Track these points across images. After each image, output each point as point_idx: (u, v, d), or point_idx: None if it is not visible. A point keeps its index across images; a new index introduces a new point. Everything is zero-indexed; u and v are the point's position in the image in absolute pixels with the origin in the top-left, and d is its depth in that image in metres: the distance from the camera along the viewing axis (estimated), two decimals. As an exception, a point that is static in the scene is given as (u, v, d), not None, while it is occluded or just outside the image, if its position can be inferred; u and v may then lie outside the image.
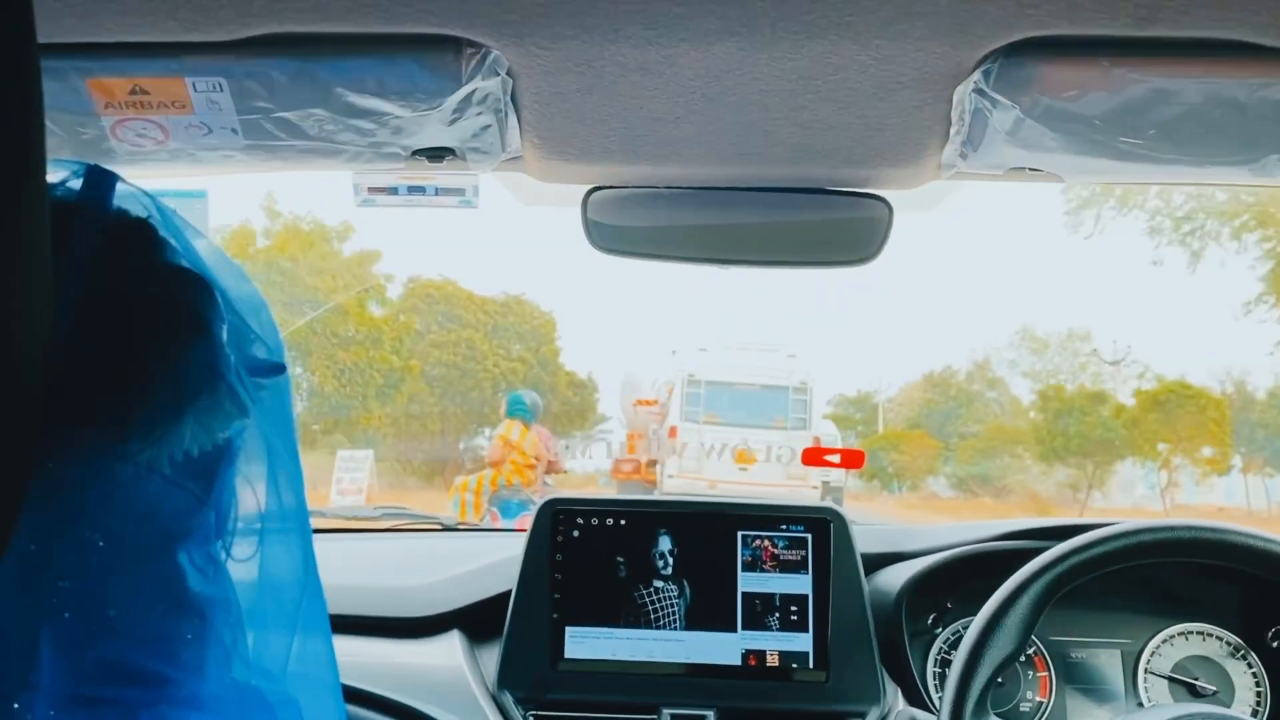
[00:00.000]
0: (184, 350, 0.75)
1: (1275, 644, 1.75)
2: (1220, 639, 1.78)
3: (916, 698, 1.71)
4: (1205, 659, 1.78)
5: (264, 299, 0.86)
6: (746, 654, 1.72)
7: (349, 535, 2.48)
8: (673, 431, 16.19)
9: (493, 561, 1.90)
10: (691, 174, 1.39)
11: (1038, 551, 1.37)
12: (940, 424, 31.21)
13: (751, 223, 1.46)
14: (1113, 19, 1.00)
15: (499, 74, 1.10)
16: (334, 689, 0.90)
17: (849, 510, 1.81)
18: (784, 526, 1.76)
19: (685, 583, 1.74)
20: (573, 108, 1.19)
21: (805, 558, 1.75)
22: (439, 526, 2.64)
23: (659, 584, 1.74)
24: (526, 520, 1.81)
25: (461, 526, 2.68)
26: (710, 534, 1.76)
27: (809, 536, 1.76)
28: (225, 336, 0.78)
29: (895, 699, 1.71)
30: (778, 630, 1.73)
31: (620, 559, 1.75)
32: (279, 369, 0.84)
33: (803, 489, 15.43)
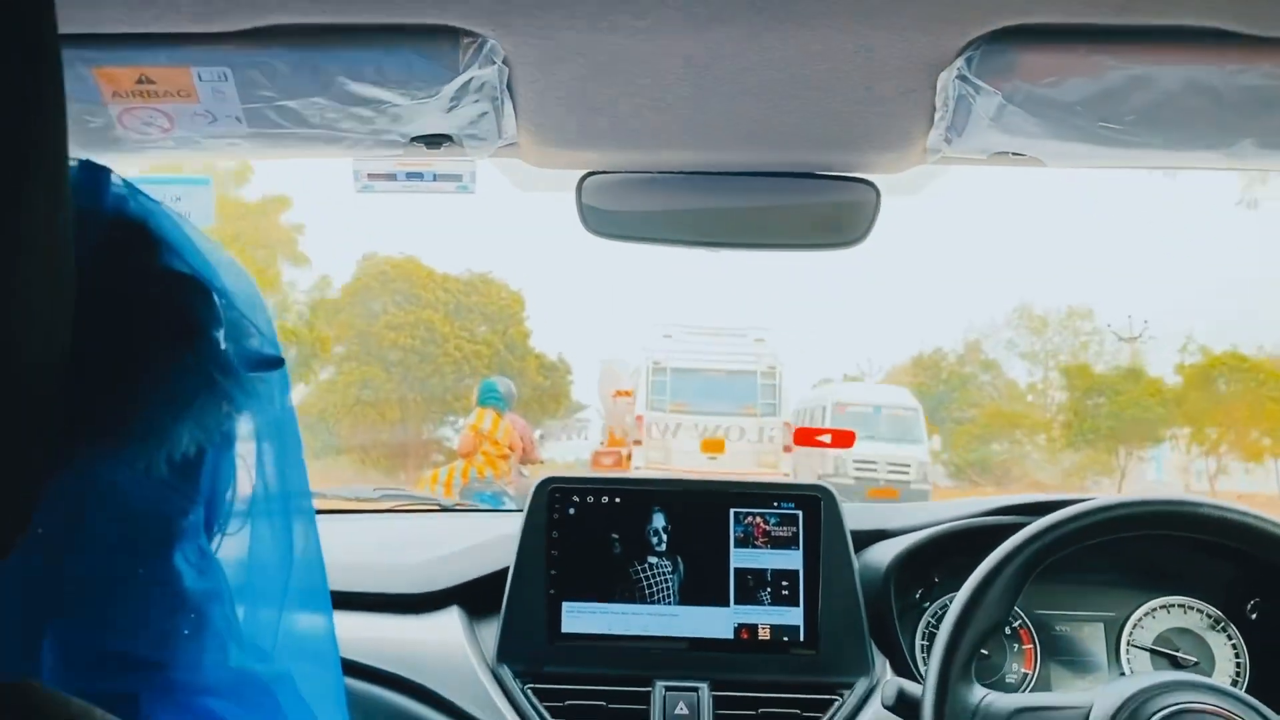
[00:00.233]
0: (181, 355, 0.75)
1: (1254, 616, 1.78)
2: (1201, 611, 1.81)
3: (905, 669, 1.74)
4: (1186, 631, 1.81)
5: (260, 293, 0.86)
6: (739, 628, 1.76)
7: (349, 515, 2.51)
8: (639, 421, 15.74)
9: (490, 539, 1.93)
10: (683, 159, 1.41)
11: (1022, 526, 1.41)
12: (932, 409, 29.15)
13: (741, 207, 1.49)
14: (1092, 6, 1.03)
15: (495, 62, 1.13)
16: (332, 662, 0.92)
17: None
18: (776, 504, 1.79)
19: (679, 559, 1.77)
20: (566, 95, 1.22)
21: (796, 534, 1.78)
22: (437, 507, 2.67)
23: (653, 560, 1.77)
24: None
25: (459, 507, 2.70)
26: (703, 511, 1.79)
27: (800, 513, 1.79)
28: (223, 335, 0.78)
29: (884, 670, 1.75)
30: (769, 605, 1.76)
31: (615, 536, 1.78)
32: (278, 362, 0.84)
33: (774, 476, 14.66)
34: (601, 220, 1.49)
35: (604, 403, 17.34)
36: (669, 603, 1.76)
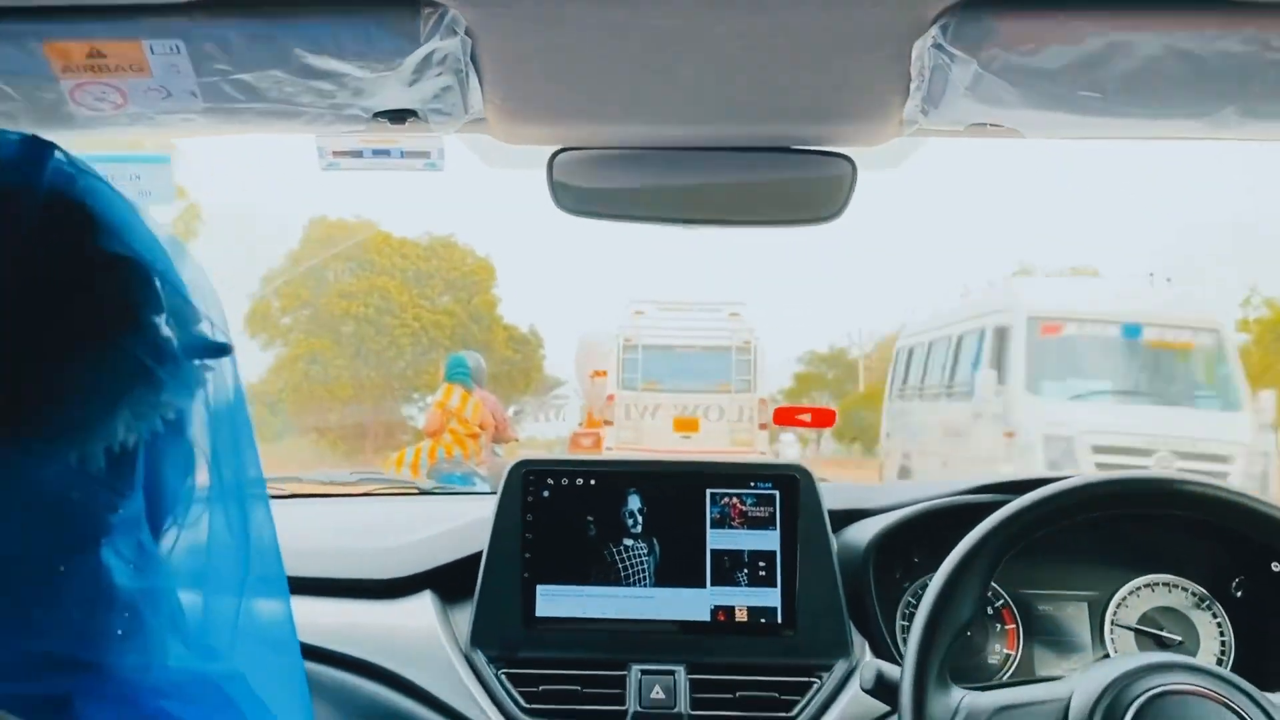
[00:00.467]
0: (115, 341, 0.72)
1: (1240, 594, 1.77)
2: (1186, 590, 1.80)
3: (884, 650, 1.73)
4: (1171, 610, 1.80)
5: (209, 278, 0.84)
6: (715, 610, 1.74)
7: (324, 499, 2.49)
8: (610, 400, 15.25)
9: (465, 523, 1.91)
10: (656, 135, 1.39)
11: (1002, 505, 1.39)
12: None
13: (717, 183, 1.47)
14: None
15: (457, 33, 1.09)
16: (292, 650, 0.90)
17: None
18: (752, 484, 1.77)
19: (655, 540, 1.75)
20: (533, 68, 1.19)
21: (773, 514, 1.76)
22: (414, 490, 2.65)
23: (629, 542, 1.75)
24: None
25: (436, 490, 2.69)
26: (679, 492, 1.77)
27: (777, 494, 1.77)
28: (165, 322, 0.76)
29: (863, 651, 1.73)
30: (746, 586, 1.74)
31: (590, 518, 1.76)
32: (225, 350, 0.82)
33: (749, 455, 14.28)
34: (573, 197, 1.46)
35: (581, 383, 16.86)
36: (645, 585, 1.74)
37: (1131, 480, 1.37)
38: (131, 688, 0.73)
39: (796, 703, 1.65)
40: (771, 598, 1.74)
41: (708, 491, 1.77)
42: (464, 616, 1.76)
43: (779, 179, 1.45)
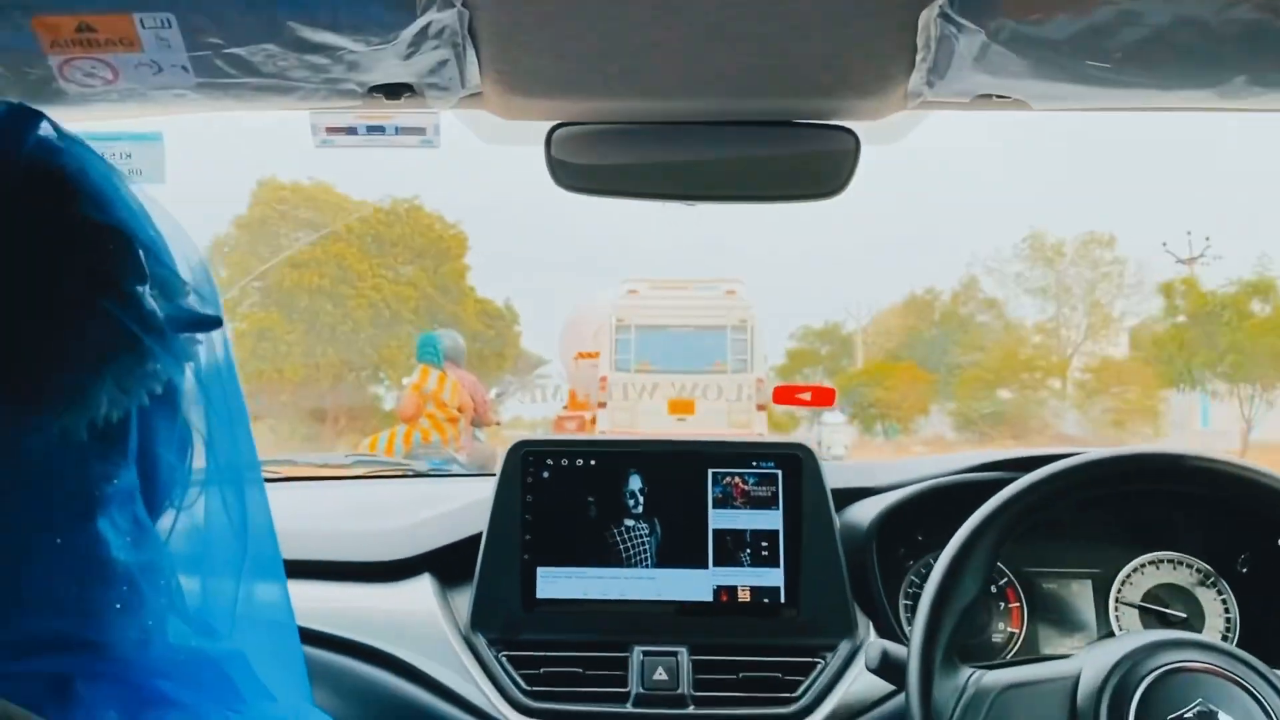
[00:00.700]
0: (97, 311, 0.71)
1: (1244, 570, 1.77)
2: (1190, 566, 1.79)
3: (888, 629, 1.72)
4: (1176, 587, 1.79)
5: (199, 248, 0.83)
6: (718, 590, 1.73)
7: (320, 482, 2.48)
8: (603, 383, 14.82)
9: (463, 505, 1.90)
10: (657, 109, 1.37)
11: (1006, 483, 1.37)
12: (926, 353, 27.51)
13: (718, 158, 1.45)
14: None
15: (454, 5, 1.08)
16: (290, 632, 0.89)
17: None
18: (754, 463, 1.76)
19: (656, 521, 1.74)
20: (531, 40, 1.17)
21: (775, 494, 1.75)
22: (411, 472, 2.64)
23: (630, 523, 1.74)
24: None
25: (433, 472, 2.68)
26: (680, 472, 1.76)
27: (779, 473, 1.76)
28: (150, 292, 0.75)
29: (867, 631, 1.72)
30: (749, 566, 1.73)
31: (591, 499, 1.75)
32: (215, 322, 0.81)
33: (748, 437, 13.94)
34: (572, 174, 1.45)
35: (566, 364, 16.36)
36: (646, 566, 1.73)
37: (1138, 456, 1.36)
38: (131, 668, 0.72)
39: (800, 683, 1.64)
40: (774, 578, 1.73)
41: (709, 471, 1.76)
42: (464, 599, 1.75)
43: (781, 153, 1.43)
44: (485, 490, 1.79)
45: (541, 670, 1.64)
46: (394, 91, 1.26)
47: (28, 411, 0.68)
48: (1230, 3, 1.05)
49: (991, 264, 28.90)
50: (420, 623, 1.70)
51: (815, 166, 1.43)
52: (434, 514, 1.92)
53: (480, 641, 1.68)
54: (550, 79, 1.27)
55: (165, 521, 0.81)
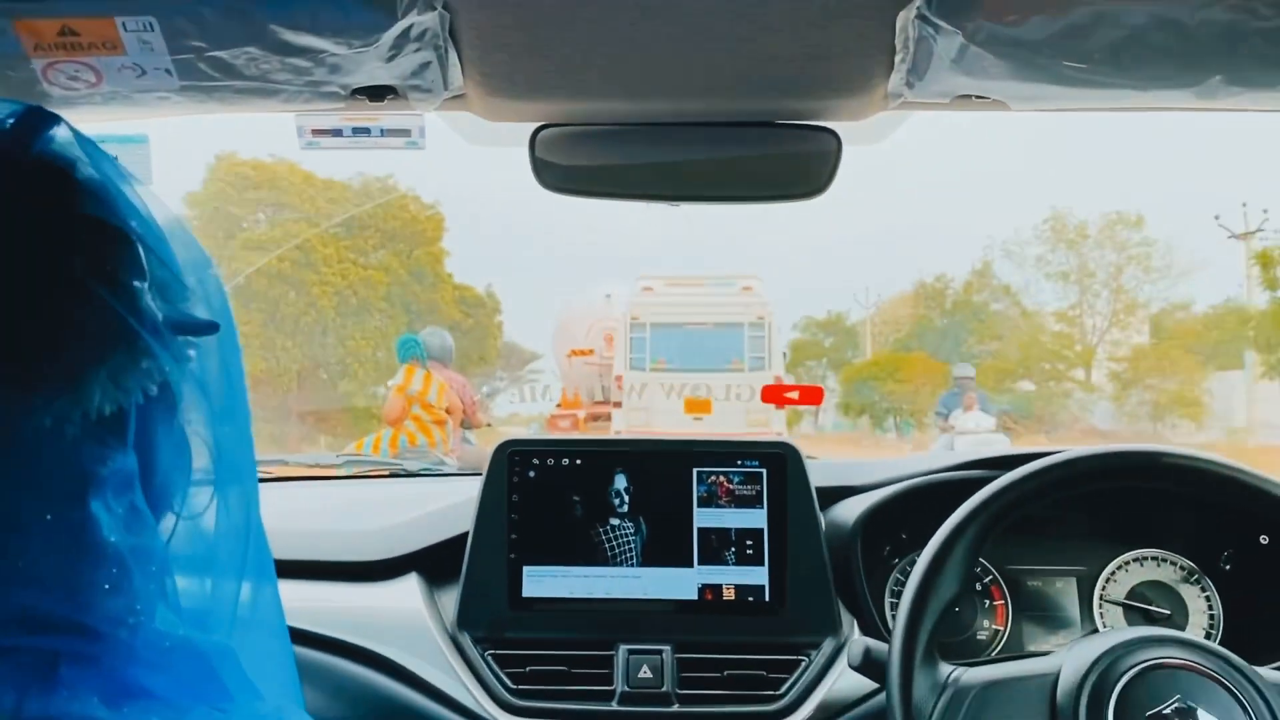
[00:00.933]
0: (93, 301, 0.72)
1: (1228, 568, 1.77)
2: (1174, 564, 1.80)
3: (873, 627, 1.73)
4: (1159, 584, 1.80)
5: (207, 256, 0.84)
6: (703, 589, 1.73)
7: (309, 482, 2.49)
8: (618, 382, 14.64)
9: (450, 504, 1.90)
10: (640, 110, 1.38)
11: (988, 481, 1.38)
12: (939, 343, 25.86)
13: (701, 158, 1.46)
14: None
15: (435, 7, 1.08)
16: (280, 632, 0.90)
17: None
18: (739, 462, 1.77)
19: (642, 520, 1.75)
20: (513, 42, 1.18)
21: (760, 492, 1.76)
22: (401, 472, 2.65)
23: (615, 522, 1.75)
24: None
25: (422, 471, 2.68)
26: (666, 471, 1.77)
27: (764, 471, 1.76)
28: (150, 291, 0.76)
29: (851, 629, 1.73)
30: (734, 565, 1.74)
31: (577, 498, 1.76)
32: (211, 327, 0.82)
33: (766, 437, 13.47)
34: (556, 175, 1.46)
35: (559, 362, 16.18)
36: (632, 564, 1.74)
37: (1118, 454, 1.37)
38: (118, 652, 0.73)
39: (784, 680, 1.65)
40: (759, 576, 1.74)
41: (694, 470, 1.76)
42: (450, 598, 1.75)
43: (763, 154, 1.44)
44: (472, 490, 1.80)
45: (527, 669, 1.65)
46: (377, 93, 1.26)
47: (21, 395, 0.69)
48: (1205, 4, 1.06)
49: (1011, 247, 27.39)
50: (407, 622, 1.71)
51: (797, 167, 1.44)
52: (421, 513, 1.92)
53: (466, 640, 1.69)
54: (532, 81, 1.27)
55: (167, 522, 0.82)
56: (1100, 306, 26.19)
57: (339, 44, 1.13)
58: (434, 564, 1.82)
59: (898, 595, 1.77)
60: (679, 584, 1.73)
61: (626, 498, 1.75)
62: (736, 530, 1.75)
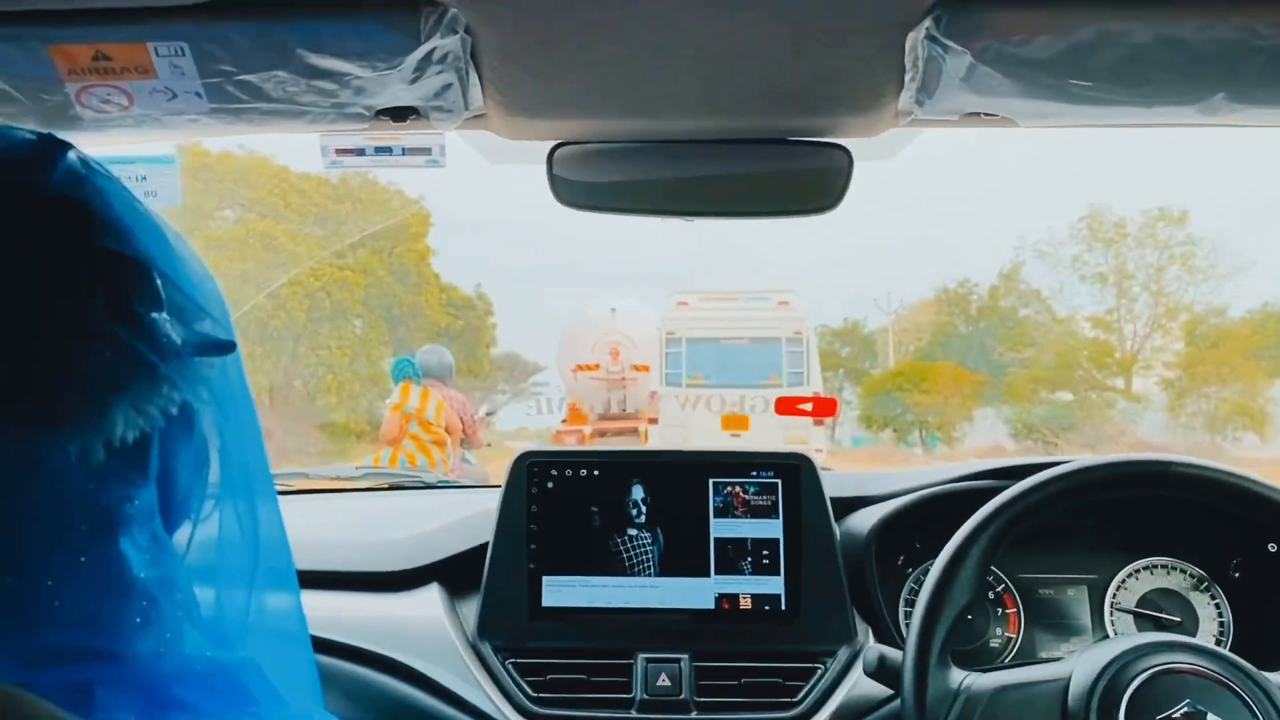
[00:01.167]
0: (112, 338, 0.73)
1: (1238, 575, 1.79)
2: (1185, 572, 1.82)
3: (887, 635, 1.75)
4: (1170, 591, 1.82)
5: (213, 276, 0.85)
6: (719, 598, 1.76)
7: (331, 494, 2.51)
8: (653, 398, 14.59)
9: (470, 515, 1.93)
10: (654, 128, 1.40)
11: (1000, 490, 1.40)
12: (964, 352, 24.50)
13: (715, 175, 1.48)
14: None
15: (457, 31, 1.11)
16: (303, 642, 0.92)
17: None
18: (754, 473, 1.79)
19: (659, 530, 1.77)
20: (532, 64, 1.20)
21: (775, 503, 1.78)
22: (420, 484, 2.67)
23: (633, 532, 1.77)
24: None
25: (440, 483, 2.71)
26: (682, 482, 1.79)
27: (779, 482, 1.79)
28: (166, 318, 0.77)
29: (866, 637, 1.75)
30: (750, 574, 1.76)
31: (594, 509, 1.78)
32: (229, 346, 0.83)
33: (806, 452, 13.19)
34: (573, 191, 1.48)
35: (564, 377, 15.81)
36: (649, 574, 1.76)
37: (1127, 463, 1.39)
38: (150, 675, 0.74)
39: (800, 688, 1.67)
40: (775, 585, 1.76)
41: (710, 481, 1.79)
42: (471, 608, 1.78)
43: (776, 171, 1.46)
44: (491, 501, 1.82)
45: (547, 677, 1.67)
46: (400, 114, 1.29)
47: (46, 432, 0.71)
48: (1208, 22, 1.08)
49: (1044, 247, 25.70)
50: (429, 631, 1.73)
51: (809, 183, 1.46)
52: (441, 525, 1.95)
53: (487, 649, 1.71)
54: (550, 100, 1.30)
55: (181, 535, 0.83)
56: (1139, 310, 24.87)
57: (364, 67, 1.15)
58: (454, 574, 1.84)
59: (911, 604, 1.79)
60: (696, 593, 1.76)
61: (644, 508, 1.77)
62: (752, 540, 1.77)
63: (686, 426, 14.01)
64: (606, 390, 15.09)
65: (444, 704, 1.65)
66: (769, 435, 13.72)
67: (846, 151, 1.43)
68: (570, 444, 13.96)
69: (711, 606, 1.75)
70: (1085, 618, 1.83)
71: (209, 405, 0.82)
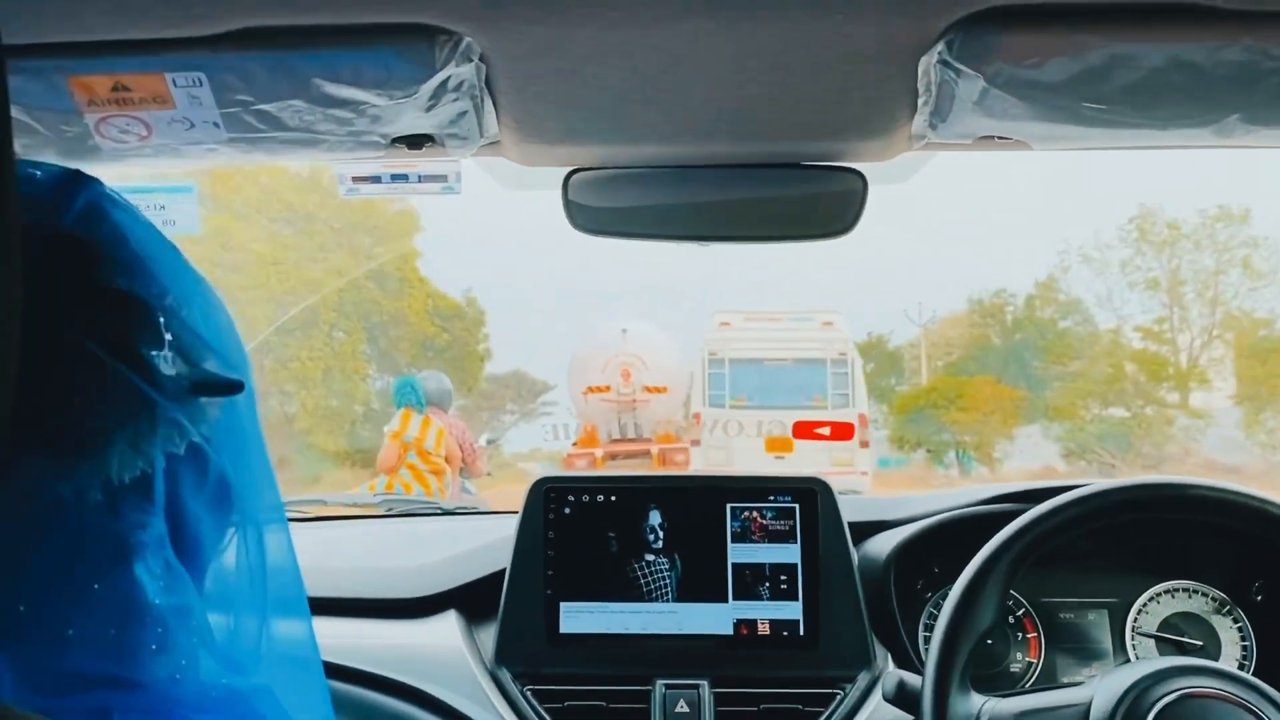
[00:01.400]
0: (111, 378, 0.73)
1: (1260, 598, 1.78)
2: (1206, 595, 1.80)
3: (907, 660, 1.74)
4: (1192, 615, 1.80)
5: (229, 314, 0.86)
6: (738, 624, 1.75)
7: (349, 521, 2.52)
8: (696, 419, 14.45)
9: (488, 541, 1.93)
10: (669, 153, 1.41)
11: (1019, 514, 1.40)
12: (1001, 366, 22.82)
13: (729, 199, 1.48)
14: None
15: (472, 60, 1.12)
16: (315, 669, 0.92)
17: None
18: (771, 497, 1.79)
19: (676, 556, 1.77)
20: (546, 91, 1.21)
21: (793, 527, 1.78)
22: (437, 510, 2.68)
23: (650, 557, 1.77)
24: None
25: (458, 510, 2.71)
26: (699, 507, 1.79)
27: (796, 506, 1.78)
28: (171, 358, 0.77)
29: (886, 662, 1.74)
30: (768, 600, 1.76)
31: (612, 534, 1.78)
32: (236, 386, 0.83)
33: (850, 476, 13.20)
34: (588, 217, 1.49)
35: (574, 400, 15.59)
36: (667, 600, 1.76)
37: (1145, 486, 1.38)
38: (166, 702, 0.75)
39: (820, 714, 1.66)
40: (793, 611, 1.75)
41: (728, 506, 1.78)
42: (488, 634, 1.78)
43: (791, 195, 1.46)
44: (508, 527, 1.82)
45: (565, 704, 1.67)
46: (415, 142, 1.29)
47: (44, 465, 0.71)
48: (1221, 45, 1.08)
49: (1090, 251, 23.67)
50: (447, 658, 1.73)
51: (824, 207, 1.46)
52: (459, 551, 1.95)
53: (505, 676, 1.71)
54: (565, 128, 1.31)
55: (196, 563, 0.84)
56: (1194, 319, 22.73)
57: (380, 96, 1.16)
58: (472, 601, 1.85)
59: (931, 628, 1.78)
60: (714, 619, 1.75)
61: (661, 534, 1.77)
62: (770, 565, 1.77)
63: (729, 448, 13.95)
64: (617, 412, 15.01)
65: None
66: (814, 458, 13.53)
67: (861, 175, 1.43)
68: (581, 467, 14.05)
69: (730, 632, 1.75)
70: (1106, 642, 1.82)
71: (214, 441, 0.82)
